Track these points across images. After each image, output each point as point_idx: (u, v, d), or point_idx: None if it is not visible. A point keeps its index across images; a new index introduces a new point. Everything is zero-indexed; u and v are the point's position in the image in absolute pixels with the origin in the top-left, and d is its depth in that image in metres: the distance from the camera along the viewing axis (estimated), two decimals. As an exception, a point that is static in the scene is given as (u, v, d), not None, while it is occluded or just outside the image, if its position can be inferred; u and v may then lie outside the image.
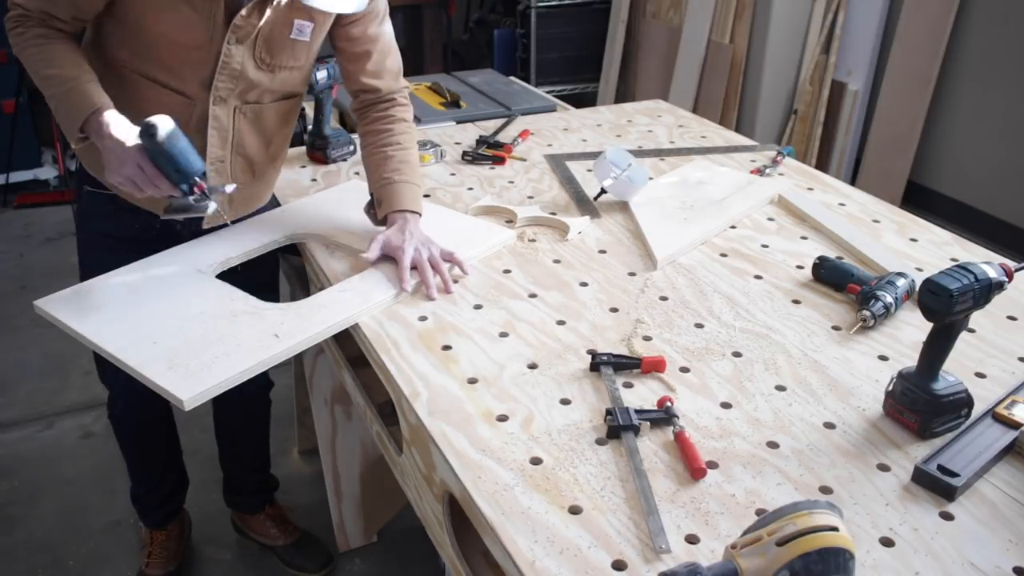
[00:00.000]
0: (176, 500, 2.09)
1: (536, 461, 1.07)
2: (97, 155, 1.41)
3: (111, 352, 1.30)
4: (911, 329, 1.35)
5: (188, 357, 1.27)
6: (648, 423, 1.12)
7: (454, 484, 1.06)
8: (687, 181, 1.90)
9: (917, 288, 1.19)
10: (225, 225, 1.60)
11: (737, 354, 1.29)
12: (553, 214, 1.76)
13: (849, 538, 0.79)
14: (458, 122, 2.36)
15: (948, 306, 1.03)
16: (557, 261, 1.58)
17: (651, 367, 1.24)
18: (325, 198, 1.82)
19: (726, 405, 1.17)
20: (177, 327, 1.35)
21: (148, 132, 1.32)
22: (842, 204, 1.81)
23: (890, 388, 1.14)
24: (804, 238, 1.67)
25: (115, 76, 1.47)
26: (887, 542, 0.94)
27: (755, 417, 1.15)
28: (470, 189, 1.89)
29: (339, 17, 1.53)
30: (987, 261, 1.09)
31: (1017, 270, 1.14)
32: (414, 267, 1.48)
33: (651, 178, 1.89)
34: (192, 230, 1.64)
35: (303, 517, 2.30)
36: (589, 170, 1.92)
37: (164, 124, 1.33)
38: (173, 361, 1.27)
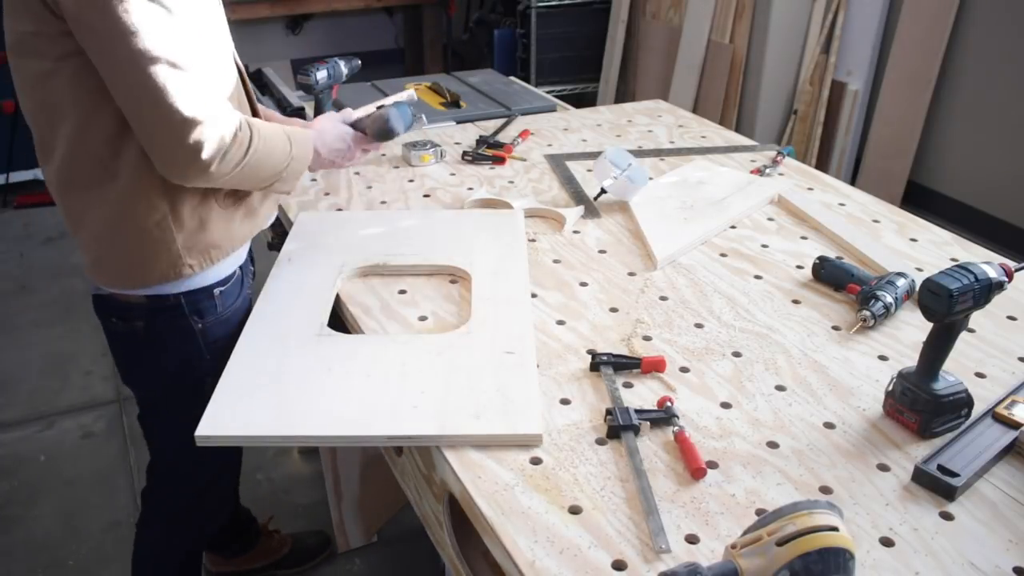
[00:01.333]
0: None
1: (536, 461, 1.07)
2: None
3: (343, 434, 1.12)
4: (911, 329, 1.35)
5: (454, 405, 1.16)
6: (648, 423, 1.12)
7: (454, 484, 1.06)
8: (687, 181, 1.90)
9: (917, 288, 1.19)
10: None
11: (737, 354, 1.29)
12: (549, 208, 1.79)
13: (849, 538, 0.79)
14: (458, 122, 2.36)
15: (948, 306, 1.03)
16: (557, 261, 1.58)
17: (651, 367, 1.24)
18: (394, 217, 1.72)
19: (726, 405, 1.17)
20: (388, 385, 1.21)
21: (385, 133, 1.59)
22: (842, 204, 1.81)
23: (890, 388, 1.14)
24: (804, 238, 1.67)
25: None
26: (887, 542, 0.94)
27: (755, 417, 1.15)
28: (470, 189, 1.89)
29: None
30: (987, 261, 1.09)
31: (1017, 270, 1.14)
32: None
33: (651, 178, 1.89)
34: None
35: (303, 517, 2.30)
36: (589, 170, 1.92)
37: (395, 119, 1.60)
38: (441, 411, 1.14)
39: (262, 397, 1.18)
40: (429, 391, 1.18)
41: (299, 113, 2.25)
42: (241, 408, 1.16)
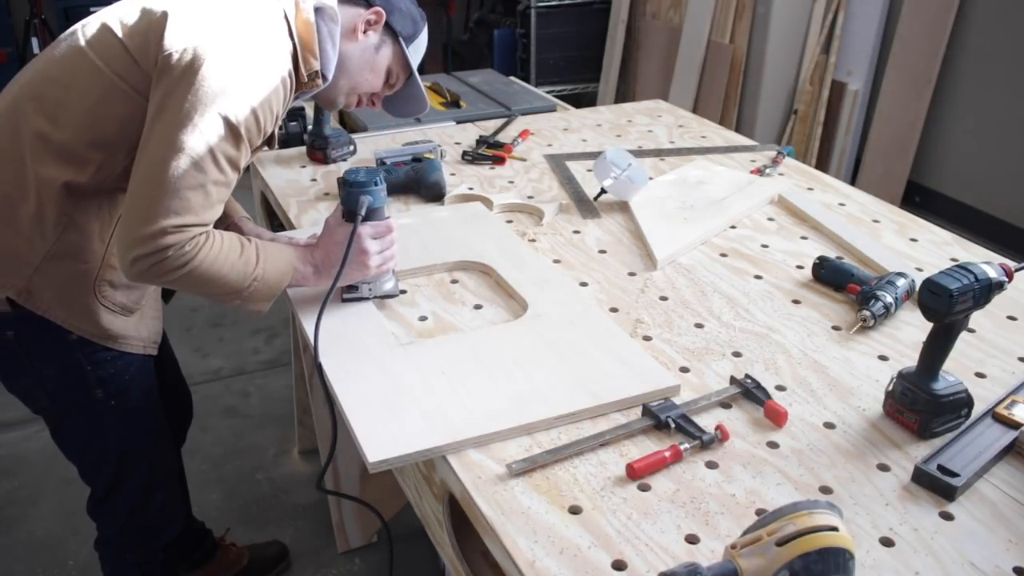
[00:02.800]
0: None
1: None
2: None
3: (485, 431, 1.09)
4: (911, 329, 1.35)
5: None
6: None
7: (454, 484, 1.06)
8: (687, 181, 1.90)
9: (917, 288, 1.19)
10: None
11: (737, 354, 1.29)
12: (530, 197, 1.81)
13: (849, 538, 0.79)
14: (458, 122, 2.36)
15: (948, 306, 1.03)
16: (557, 261, 1.58)
17: None
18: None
19: (726, 405, 1.17)
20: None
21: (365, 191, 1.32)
22: (842, 204, 1.81)
23: (890, 388, 1.14)
24: (804, 238, 1.67)
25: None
26: (887, 542, 0.94)
27: (755, 417, 1.15)
28: (470, 189, 1.88)
29: None
30: (987, 261, 1.09)
31: (1017, 270, 1.14)
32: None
33: (651, 178, 1.89)
34: None
35: (303, 517, 2.30)
36: (589, 170, 1.92)
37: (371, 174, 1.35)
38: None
39: (402, 413, 1.12)
40: (553, 371, 1.21)
41: (298, 113, 2.24)
42: (393, 427, 1.10)
